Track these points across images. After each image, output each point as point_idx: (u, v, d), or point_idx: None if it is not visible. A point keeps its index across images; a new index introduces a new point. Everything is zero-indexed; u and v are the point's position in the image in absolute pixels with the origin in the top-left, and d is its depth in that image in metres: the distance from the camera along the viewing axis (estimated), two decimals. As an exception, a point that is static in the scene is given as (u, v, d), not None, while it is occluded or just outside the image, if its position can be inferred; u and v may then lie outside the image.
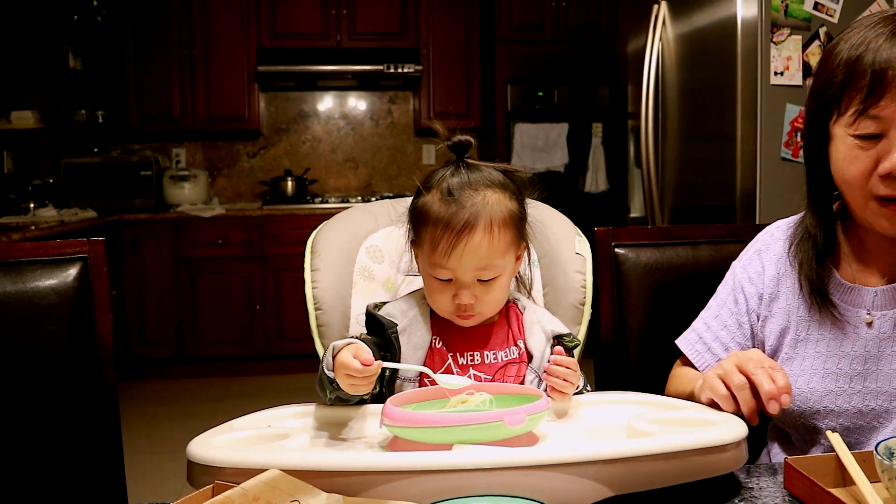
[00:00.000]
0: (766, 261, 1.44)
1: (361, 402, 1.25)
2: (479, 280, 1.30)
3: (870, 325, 1.31)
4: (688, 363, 1.49)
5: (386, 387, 1.32)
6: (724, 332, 1.45)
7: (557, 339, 1.37)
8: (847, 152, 1.23)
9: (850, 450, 1.07)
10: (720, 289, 1.51)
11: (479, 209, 1.28)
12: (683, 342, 1.50)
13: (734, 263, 1.51)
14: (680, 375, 1.48)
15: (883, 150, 1.19)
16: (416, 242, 1.37)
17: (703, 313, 1.52)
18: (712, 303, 1.51)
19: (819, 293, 1.34)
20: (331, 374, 1.18)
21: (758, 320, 1.44)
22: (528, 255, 1.52)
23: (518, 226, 1.35)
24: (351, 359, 1.14)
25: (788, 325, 1.39)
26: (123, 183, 5.60)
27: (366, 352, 1.15)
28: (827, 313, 1.34)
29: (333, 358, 1.18)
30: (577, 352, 1.40)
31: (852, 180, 1.23)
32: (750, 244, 1.51)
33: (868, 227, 1.27)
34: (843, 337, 1.32)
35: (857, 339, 1.31)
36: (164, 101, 5.73)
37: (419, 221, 1.33)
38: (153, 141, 6.04)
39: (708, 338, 1.47)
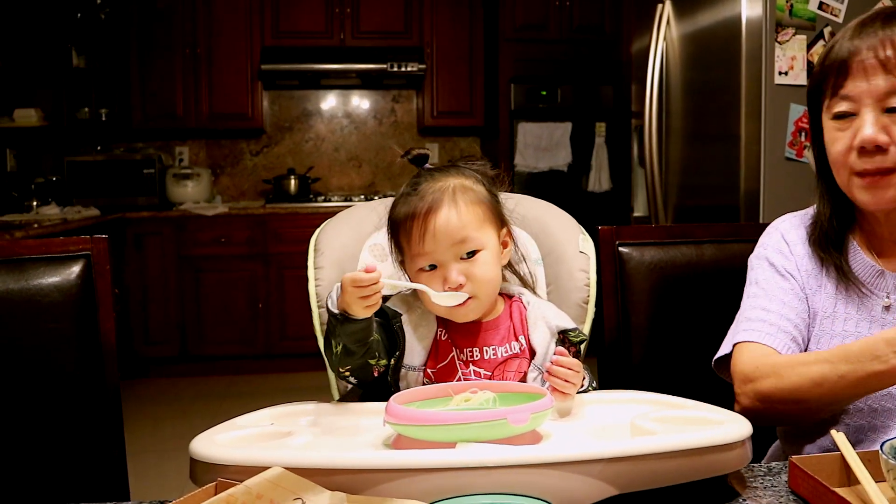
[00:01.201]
0: (790, 241, 1.48)
1: (364, 373, 1.30)
2: (461, 258, 1.32)
3: (888, 308, 1.36)
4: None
5: (391, 375, 1.33)
6: (787, 309, 1.42)
7: (563, 335, 1.37)
8: (830, 136, 1.35)
9: (874, 431, 1.13)
10: (756, 279, 1.48)
11: (440, 191, 1.34)
12: (749, 334, 1.41)
13: (756, 254, 1.51)
14: (787, 362, 1.34)
15: (857, 127, 1.30)
16: (401, 258, 1.40)
17: (749, 304, 1.46)
18: (756, 291, 1.47)
19: (842, 270, 1.40)
20: (336, 311, 1.22)
21: (805, 296, 1.44)
22: (516, 250, 1.51)
23: (488, 204, 1.37)
24: (357, 273, 1.17)
25: (819, 304, 1.43)
26: (126, 181, 5.60)
27: (373, 266, 1.19)
28: (855, 290, 1.39)
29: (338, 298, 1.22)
30: (583, 346, 1.40)
31: (836, 160, 1.35)
32: (766, 234, 1.52)
33: (857, 204, 1.35)
34: (868, 317, 1.37)
35: (876, 321, 1.36)
36: (167, 100, 5.73)
37: (394, 233, 1.38)
38: (156, 139, 6.04)
39: (774, 319, 1.41)
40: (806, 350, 1.41)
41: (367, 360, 1.28)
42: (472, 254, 1.33)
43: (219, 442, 1.04)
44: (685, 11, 3.50)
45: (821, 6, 3.02)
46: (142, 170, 5.66)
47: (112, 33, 5.64)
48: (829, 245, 1.42)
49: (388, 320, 1.36)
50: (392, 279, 1.35)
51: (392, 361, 1.34)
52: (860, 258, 1.40)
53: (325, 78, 6.04)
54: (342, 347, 1.24)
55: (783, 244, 1.48)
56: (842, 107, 1.32)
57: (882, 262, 1.38)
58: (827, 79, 1.34)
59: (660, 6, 3.62)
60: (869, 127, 1.28)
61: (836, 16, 3.03)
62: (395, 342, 1.34)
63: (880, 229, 1.39)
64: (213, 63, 5.73)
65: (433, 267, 1.33)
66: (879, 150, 1.29)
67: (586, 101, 5.57)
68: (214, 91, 5.75)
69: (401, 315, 1.36)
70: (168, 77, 5.71)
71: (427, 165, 1.41)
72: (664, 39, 3.61)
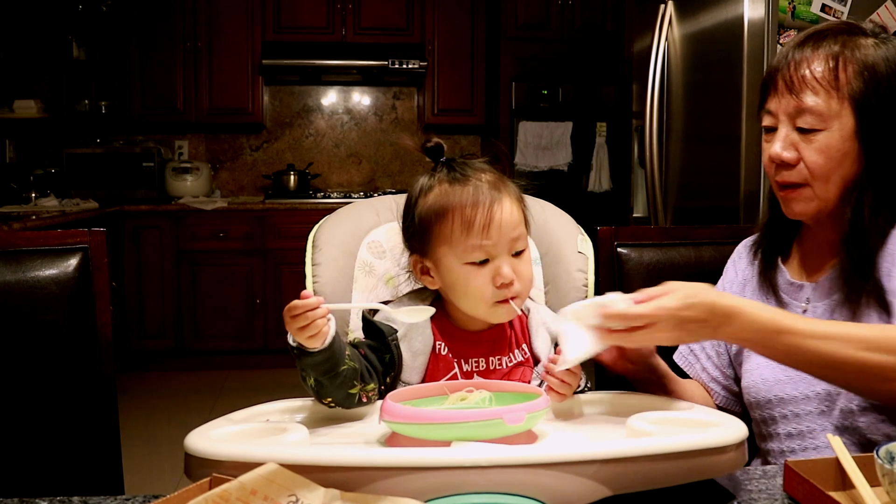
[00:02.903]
0: (738, 268, 1.58)
1: (349, 402, 1.22)
2: (512, 255, 1.29)
3: (805, 313, 1.42)
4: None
5: (388, 388, 1.31)
6: (707, 342, 1.56)
7: None
8: (763, 147, 1.43)
9: (802, 437, 1.21)
10: None
11: (496, 183, 1.30)
12: (677, 354, 1.61)
13: None
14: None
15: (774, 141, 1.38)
16: (427, 250, 1.33)
17: None
18: None
19: (771, 290, 1.48)
20: (292, 344, 1.15)
21: None
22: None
23: (524, 204, 1.35)
24: (296, 301, 1.12)
25: None
26: (125, 174, 5.60)
27: (308, 292, 1.15)
28: (773, 300, 1.47)
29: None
30: None
31: (765, 171, 1.43)
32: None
33: (786, 213, 1.43)
34: None
35: None
36: (167, 93, 5.73)
37: (433, 222, 1.30)
38: (156, 132, 6.03)
39: (695, 347, 1.59)
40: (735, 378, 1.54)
41: (345, 390, 1.20)
42: (519, 253, 1.30)
43: (214, 437, 1.04)
44: (687, 12, 3.49)
45: (823, 8, 3.02)
46: (141, 163, 5.65)
47: (113, 26, 5.63)
48: (757, 252, 1.53)
49: (384, 338, 1.31)
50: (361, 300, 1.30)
51: (388, 381, 1.30)
52: (786, 275, 1.48)
53: (325, 74, 6.04)
54: (314, 380, 1.18)
55: (732, 271, 1.59)
56: (766, 121, 1.41)
57: (808, 272, 1.45)
58: (762, 91, 1.42)
59: (662, 6, 3.62)
60: (777, 143, 1.36)
61: (838, 18, 3.03)
62: (392, 361, 1.31)
63: (812, 239, 1.46)
64: (213, 57, 5.73)
65: (484, 262, 1.27)
66: (789, 165, 1.36)
67: (587, 100, 5.57)
68: (215, 85, 5.75)
69: (396, 332, 1.32)
70: (168, 70, 5.70)
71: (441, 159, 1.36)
72: (666, 40, 3.61)
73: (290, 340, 1.15)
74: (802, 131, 1.35)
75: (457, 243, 1.27)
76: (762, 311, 1.22)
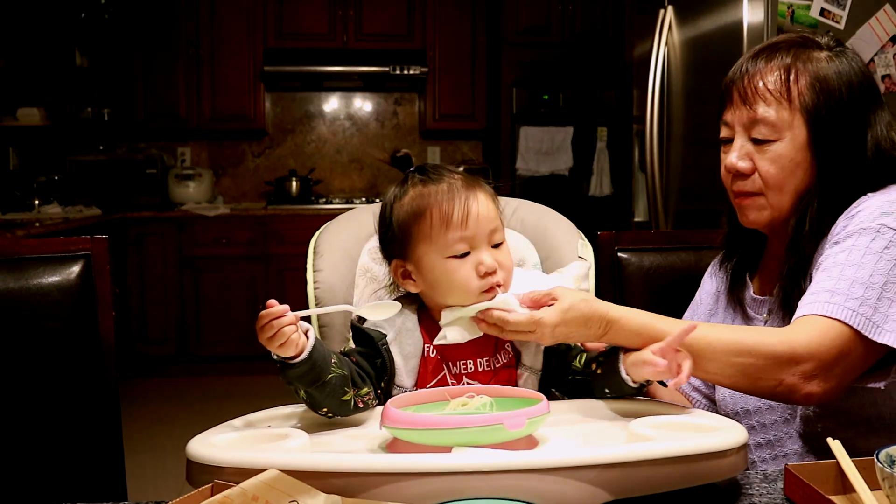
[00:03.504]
0: (713, 281, 1.62)
1: (344, 410, 1.22)
2: (492, 246, 1.31)
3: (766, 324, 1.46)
4: None
5: (383, 392, 1.31)
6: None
7: None
8: (720, 157, 1.45)
9: (771, 446, 1.26)
10: (692, 303, 1.67)
11: (469, 179, 1.34)
12: None
13: None
14: None
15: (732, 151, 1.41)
16: (407, 253, 1.34)
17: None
18: (684, 316, 1.65)
19: (738, 305, 1.52)
20: (274, 357, 1.15)
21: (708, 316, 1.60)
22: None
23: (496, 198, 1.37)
24: (262, 311, 1.11)
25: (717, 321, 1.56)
26: (128, 181, 5.61)
27: (273, 301, 1.13)
28: (742, 324, 1.50)
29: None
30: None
31: (723, 182, 1.46)
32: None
33: (741, 222, 1.45)
34: None
35: None
36: (169, 100, 5.74)
37: (411, 223, 1.31)
38: (159, 139, 6.05)
39: None
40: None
41: (338, 398, 1.19)
42: (498, 245, 1.32)
43: (215, 443, 1.04)
44: (687, 17, 3.50)
45: (822, 13, 3.03)
46: (144, 170, 5.67)
47: (115, 33, 5.65)
48: (722, 264, 1.57)
49: (374, 343, 1.32)
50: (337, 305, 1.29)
51: (383, 385, 1.30)
52: (750, 290, 1.51)
53: (327, 80, 6.05)
54: (303, 392, 1.18)
55: (709, 282, 1.63)
56: (723, 132, 1.44)
57: (770, 285, 1.47)
58: (719, 102, 1.46)
59: (662, 11, 3.62)
60: (733, 154, 1.40)
61: (837, 22, 3.03)
62: (384, 366, 1.31)
63: (773, 253, 1.48)
64: (215, 64, 5.75)
65: (465, 255, 1.29)
66: (744, 175, 1.39)
67: (588, 105, 5.57)
68: (217, 92, 5.77)
69: (385, 336, 1.32)
70: (171, 77, 5.72)
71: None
72: (666, 44, 3.61)
73: (273, 354, 1.15)
74: (757, 142, 1.38)
75: (437, 239, 1.29)
76: (636, 316, 1.24)
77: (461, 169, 1.39)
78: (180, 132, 5.99)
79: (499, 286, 1.30)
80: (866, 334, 1.20)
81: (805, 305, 1.25)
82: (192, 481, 1.00)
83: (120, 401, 1.60)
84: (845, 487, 1.04)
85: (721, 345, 1.22)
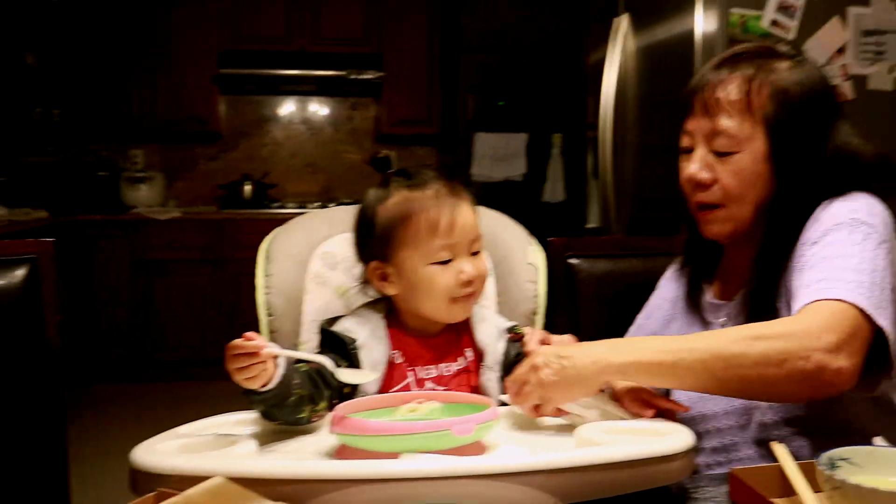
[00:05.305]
0: (670, 286, 1.62)
1: (300, 423, 1.21)
2: (471, 254, 1.34)
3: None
4: None
5: (343, 398, 1.31)
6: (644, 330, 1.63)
7: (510, 332, 1.41)
8: (680, 166, 1.44)
9: (726, 451, 1.25)
10: (645, 306, 1.67)
11: (452, 188, 1.35)
12: None
13: None
14: None
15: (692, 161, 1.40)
16: (389, 255, 1.35)
17: (632, 326, 1.66)
18: (638, 318, 1.66)
19: (696, 310, 1.52)
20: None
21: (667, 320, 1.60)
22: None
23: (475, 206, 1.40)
24: (236, 340, 1.08)
25: (674, 329, 1.56)
26: (79, 183, 5.52)
27: (253, 334, 1.10)
28: (700, 329, 1.50)
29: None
30: None
31: (683, 190, 1.44)
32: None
33: (703, 234, 1.45)
34: None
35: None
36: (122, 101, 5.66)
37: (396, 227, 1.33)
38: (110, 141, 5.95)
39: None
40: None
41: (295, 415, 1.19)
42: (476, 253, 1.36)
43: (160, 450, 1.03)
44: (642, 25, 3.53)
45: (773, 23, 3.07)
46: (95, 172, 5.59)
47: (67, 32, 5.56)
48: (683, 274, 1.57)
49: (344, 348, 1.33)
50: (295, 351, 1.24)
51: (346, 391, 1.30)
52: (707, 295, 1.52)
53: (283, 84, 6.02)
54: (262, 409, 1.16)
55: (665, 287, 1.63)
56: (684, 141, 1.43)
57: (728, 291, 1.48)
58: (681, 111, 1.44)
59: (617, 20, 3.65)
60: (694, 164, 1.39)
61: (787, 33, 3.08)
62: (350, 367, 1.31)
63: (730, 259, 1.49)
64: (170, 66, 5.67)
65: (447, 262, 1.32)
66: (705, 186, 1.38)
67: (543, 111, 5.59)
68: (170, 94, 5.69)
69: (355, 340, 1.34)
70: (123, 79, 5.64)
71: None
72: (621, 52, 3.64)
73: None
74: (718, 153, 1.37)
75: (422, 244, 1.32)
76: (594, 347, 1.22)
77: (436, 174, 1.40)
78: (132, 134, 5.90)
79: (472, 295, 1.34)
80: (868, 312, 1.17)
81: (803, 298, 1.22)
82: (135, 489, 0.98)
83: (67, 406, 1.57)
84: (788, 491, 1.06)
85: (736, 334, 1.20)
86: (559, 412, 1.21)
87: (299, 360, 1.23)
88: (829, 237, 1.28)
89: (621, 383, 1.26)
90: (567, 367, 1.16)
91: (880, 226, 1.28)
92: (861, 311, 1.18)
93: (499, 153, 5.47)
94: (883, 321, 1.18)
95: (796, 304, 1.23)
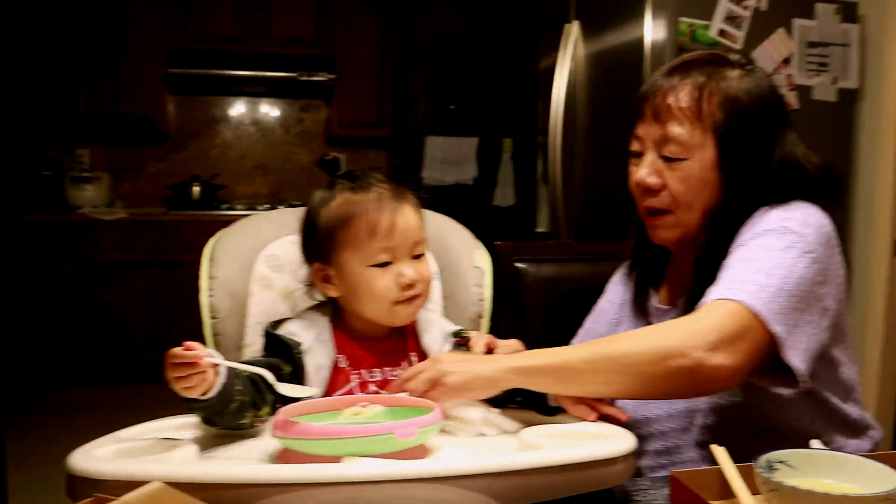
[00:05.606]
0: (617, 290, 1.63)
1: (243, 427, 1.19)
2: (413, 257, 1.34)
3: None
4: None
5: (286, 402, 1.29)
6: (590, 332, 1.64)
7: (456, 336, 1.42)
8: (629, 171, 1.45)
9: (669, 454, 1.27)
10: (593, 309, 1.69)
11: (395, 190, 1.35)
12: None
13: None
14: None
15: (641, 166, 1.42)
16: (330, 257, 1.35)
17: (580, 329, 1.68)
18: (586, 322, 1.67)
19: (642, 315, 1.54)
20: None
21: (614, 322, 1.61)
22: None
23: (420, 209, 1.40)
24: (175, 349, 1.05)
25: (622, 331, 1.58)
26: (23, 182, 5.40)
27: (193, 343, 1.07)
28: (644, 321, 1.52)
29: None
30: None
31: (632, 194, 1.46)
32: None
33: (651, 239, 1.47)
34: None
35: None
36: (68, 100, 5.55)
37: (337, 228, 1.34)
38: (55, 140, 5.84)
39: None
40: None
41: (236, 421, 1.17)
42: (418, 256, 1.36)
43: (98, 455, 1.01)
44: (592, 32, 3.56)
45: (721, 33, 3.12)
46: (39, 171, 5.48)
47: (11, 28, 5.45)
48: (630, 274, 1.58)
49: (289, 352, 1.32)
50: (237, 362, 1.19)
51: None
52: (654, 300, 1.53)
53: (233, 84, 5.95)
54: (202, 416, 1.14)
55: (612, 291, 1.65)
56: (634, 145, 1.44)
57: (674, 296, 1.50)
58: (631, 116, 1.46)
59: (567, 26, 3.68)
60: (644, 169, 1.40)
61: (735, 43, 3.13)
62: (295, 375, 1.30)
63: (676, 264, 1.51)
64: (117, 64, 5.58)
65: (387, 264, 1.32)
66: (654, 191, 1.40)
67: (494, 116, 5.62)
68: (118, 92, 5.60)
69: (300, 344, 1.33)
70: (69, 76, 5.53)
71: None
72: (571, 58, 3.67)
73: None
74: (667, 159, 1.39)
75: (361, 247, 1.32)
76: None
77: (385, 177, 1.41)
78: (78, 133, 5.80)
79: (416, 298, 1.34)
80: (762, 317, 1.19)
81: (709, 295, 1.25)
82: (72, 496, 0.96)
83: (10, 412, 1.54)
84: (728, 493, 1.07)
85: (630, 335, 1.24)
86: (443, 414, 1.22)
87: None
88: (756, 241, 1.30)
89: None
90: (466, 365, 1.20)
91: (811, 236, 1.30)
92: (756, 314, 1.19)
93: (450, 157, 5.48)
94: (778, 326, 1.20)
95: (703, 300, 1.25)
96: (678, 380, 1.17)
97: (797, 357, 1.21)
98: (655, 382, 1.18)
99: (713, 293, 1.24)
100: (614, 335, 1.34)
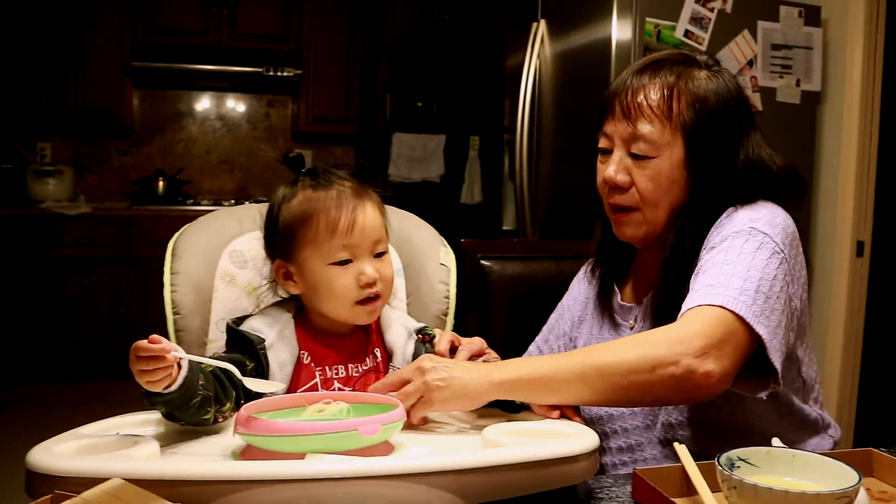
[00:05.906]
0: (581, 287, 1.65)
1: (206, 424, 1.18)
2: (374, 256, 1.34)
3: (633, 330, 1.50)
4: None
5: (255, 397, 1.29)
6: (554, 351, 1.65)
7: (420, 333, 1.42)
8: (597, 167, 1.47)
9: (631, 451, 1.27)
10: (557, 306, 1.69)
11: (359, 189, 1.35)
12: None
13: None
14: None
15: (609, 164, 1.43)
16: (291, 254, 1.35)
17: (544, 327, 1.70)
18: (550, 320, 1.69)
19: (606, 311, 1.55)
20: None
21: (570, 342, 1.62)
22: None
23: (385, 211, 1.40)
24: (141, 342, 1.04)
25: (584, 329, 1.60)
26: (-18, 176, 5.33)
27: (158, 337, 1.07)
28: (610, 330, 1.54)
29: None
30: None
31: (599, 192, 1.48)
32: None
33: (617, 236, 1.48)
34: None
35: None
36: (29, 92, 5.46)
37: (297, 226, 1.33)
38: (16, 133, 5.75)
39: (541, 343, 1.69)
40: None
41: (199, 417, 1.15)
42: (380, 254, 1.35)
43: (57, 452, 0.99)
44: (559, 31, 3.58)
45: (686, 34, 3.15)
46: (0, 165, 5.39)
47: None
48: (594, 275, 1.59)
49: (252, 348, 1.31)
50: (199, 357, 1.17)
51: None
52: (618, 297, 1.55)
53: (199, 79, 5.89)
54: (164, 411, 1.13)
55: (576, 288, 1.67)
56: (602, 143, 1.45)
57: (638, 293, 1.52)
58: (600, 113, 1.47)
59: (535, 24, 3.69)
60: (612, 166, 1.41)
61: (700, 44, 3.16)
62: (258, 370, 1.30)
63: (641, 262, 1.53)
64: (81, 56, 5.49)
65: (347, 262, 1.32)
66: (622, 188, 1.41)
67: (461, 114, 5.62)
68: (81, 86, 5.52)
69: (264, 340, 1.32)
70: (31, 68, 5.45)
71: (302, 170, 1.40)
72: (538, 57, 3.68)
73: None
74: (636, 157, 1.40)
75: (321, 244, 1.32)
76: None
77: (348, 175, 1.40)
78: (40, 127, 5.71)
79: (377, 298, 1.34)
80: (746, 319, 1.20)
81: (689, 301, 1.26)
82: (31, 492, 0.95)
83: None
84: (689, 490, 1.08)
85: (617, 344, 1.23)
86: (424, 420, 1.22)
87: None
88: (726, 243, 1.31)
89: None
90: (455, 377, 1.17)
91: (778, 236, 1.32)
92: (739, 317, 1.21)
93: (416, 154, 5.48)
94: (762, 328, 1.21)
95: (683, 308, 1.26)
96: (669, 387, 1.18)
97: (778, 359, 1.23)
98: (646, 391, 1.18)
99: (693, 300, 1.25)
100: (598, 344, 1.34)
